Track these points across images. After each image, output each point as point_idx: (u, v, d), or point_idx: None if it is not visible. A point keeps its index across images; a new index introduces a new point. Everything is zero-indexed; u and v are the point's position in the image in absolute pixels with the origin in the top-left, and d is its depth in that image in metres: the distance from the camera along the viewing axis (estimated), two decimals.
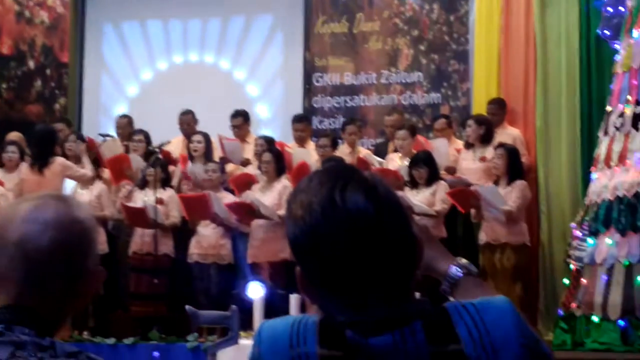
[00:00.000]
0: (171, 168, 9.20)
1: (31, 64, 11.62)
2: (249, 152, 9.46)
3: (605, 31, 7.90)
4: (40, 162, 8.70)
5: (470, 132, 8.62)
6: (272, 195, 8.36)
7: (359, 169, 1.53)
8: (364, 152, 9.44)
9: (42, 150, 8.77)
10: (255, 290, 5.65)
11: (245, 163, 9.38)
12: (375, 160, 9.07)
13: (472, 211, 8.13)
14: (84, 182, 8.84)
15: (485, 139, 8.57)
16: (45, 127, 9.43)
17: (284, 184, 8.35)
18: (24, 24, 11.65)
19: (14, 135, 9.95)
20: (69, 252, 1.69)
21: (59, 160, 8.78)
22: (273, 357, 1.47)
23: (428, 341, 1.42)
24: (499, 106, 9.09)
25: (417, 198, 8.04)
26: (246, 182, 8.78)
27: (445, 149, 8.71)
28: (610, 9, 8.03)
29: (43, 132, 9.04)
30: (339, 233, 1.43)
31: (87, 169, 8.88)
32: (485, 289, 1.69)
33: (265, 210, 8.17)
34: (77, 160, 9.00)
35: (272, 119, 11.24)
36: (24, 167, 8.85)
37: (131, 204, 8.57)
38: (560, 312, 7.31)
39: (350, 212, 1.43)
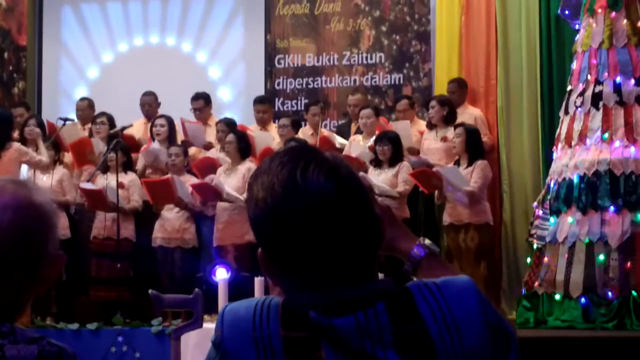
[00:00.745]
0: (134, 155, 9.12)
1: None
2: (211, 135, 9.42)
3: (565, 11, 7.94)
4: None
5: (433, 112, 8.65)
6: (236, 178, 8.33)
7: (320, 150, 1.52)
8: (326, 132, 9.44)
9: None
10: (220, 274, 5.64)
11: (208, 147, 9.34)
12: (337, 140, 9.08)
13: (436, 193, 8.16)
14: (41, 168, 8.73)
15: (448, 119, 8.61)
16: (1, 112, 9.26)
17: (248, 166, 8.33)
18: None
19: None
20: (28, 236, 1.67)
21: (15, 145, 8.62)
22: (236, 339, 1.46)
23: (391, 321, 1.42)
24: (458, 85, 9.13)
25: (379, 179, 8.07)
26: (209, 166, 8.74)
27: (407, 131, 8.73)
28: None
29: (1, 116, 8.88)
30: (300, 214, 1.43)
31: (43, 155, 8.76)
32: (447, 268, 1.69)
33: (229, 195, 8.15)
34: (37, 145, 8.89)
35: (234, 101, 11.19)
36: None
37: (88, 186, 8.48)
38: (523, 290, 7.37)
39: (311, 193, 1.43)
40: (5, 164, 8.41)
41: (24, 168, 8.68)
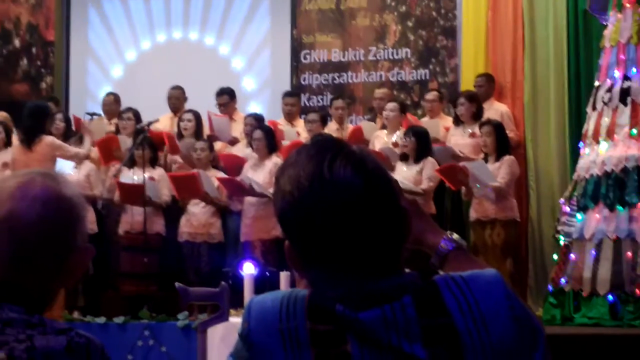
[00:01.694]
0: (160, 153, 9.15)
1: (17, 42, 11.56)
2: (236, 129, 9.45)
3: (593, 5, 7.88)
4: (29, 139, 8.48)
5: (463, 110, 8.62)
6: (263, 173, 8.34)
7: (347, 143, 1.52)
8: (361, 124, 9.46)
9: (30, 127, 8.53)
10: (247, 269, 5.65)
11: (234, 142, 9.36)
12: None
13: (463, 189, 8.13)
14: (79, 160, 8.73)
15: (476, 115, 8.59)
16: (36, 103, 9.21)
17: (275, 161, 8.33)
18: (8, 2, 11.58)
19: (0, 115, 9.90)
20: (56, 229, 1.68)
21: (48, 139, 8.57)
22: (262, 332, 1.46)
23: (418, 315, 1.42)
24: (486, 79, 9.11)
25: (404, 175, 8.03)
26: (236, 165, 8.75)
27: (437, 128, 8.70)
28: None
29: (33, 108, 8.78)
30: (327, 207, 1.43)
31: (85, 148, 8.76)
32: (475, 262, 1.69)
33: (258, 188, 8.16)
34: (63, 139, 8.92)
35: (259, 96, 11.22)
36: (16, 145, 8.72)
37: (127, 181, 8.51)
38: (550, 287, 7.34)
39: (338, 186, 1.43)
40: (38, 158, 8.36)
41: (60, 162, 8.63)
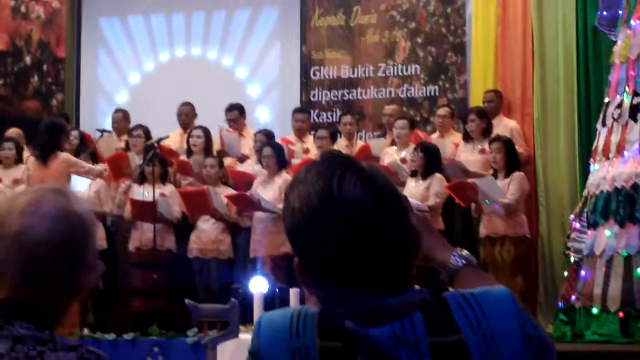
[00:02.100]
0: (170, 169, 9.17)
1: (28, 59, 11.62)
2: (245, 146, 9.47)
3: (602, 22, 7.88)
4: (44, 154, 8.45)
5: (473, 126, 8.62)
6: (272, 190, 8.35)
7: (356, 160, 1.52)
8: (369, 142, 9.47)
9: (46, 143, 8.51)
10: (258, 285, 5.64)
11: (243, 159, 9.38)
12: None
13: (473, 206, 8.12)
14: (93, 177, 8.73)
15: (486, 131, 8.60)
16: (52, 119, 9.19)
17: (285, 178, 8.34)
18: (20, 19, 11.65)
19: (12, 132, 9.94)
20: (67, 245, 1.69)
21: (63, 156, 8.53)
22: (272, 349, 1.46)
23: (428, 331, 1.41)
24: (495, 94, 9.11)
25: (412, 191, 8.02)
26: (245, 182, 8.76)
27: (444, 148, 8.70)
28: (604, 13, 8.02)
29: (49, 124, 8.76)
30: (336, 223, 1.43)
31: (100, 165, 8.77)
32: (485, 279, 1.68)
33: (266, 204, 8.17)
34: (75, 155, 8.94)
35: (269, 112, 11.24)
36: (31, 161, 8.72)
37: (138, 198, 8.52)
38: (560, 304, 7.31)
39: (348, 203, 1.43)
40: (53, 174, 8.33)
41: (75, 179, 8.61)
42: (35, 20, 11.64)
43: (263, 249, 8.30)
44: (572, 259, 7.35)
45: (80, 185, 8.56)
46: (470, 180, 8.06)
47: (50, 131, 8.52)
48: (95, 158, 9.10)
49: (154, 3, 11.54)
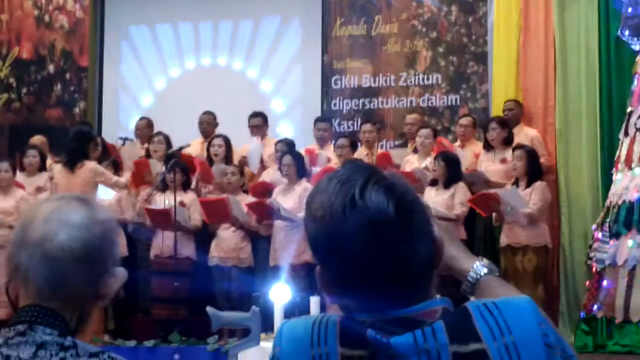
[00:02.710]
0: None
1: (51, 68, 11.71)
2: (265, 154, 9.50)
3: (625, 31, 7.85)
4: (71, 162, 8.44)
5: (494, 135, 8.60)
6: (292, 198, 8.36)
7: (378, 168, 1.52)
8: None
9: (73, 151, 8.51)
10: (280, 293, 5.64)
11: (263, 168, 9.40)
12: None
13: (494, 215, 8.09)
14: (119, 189, 8.75)
15: (507, 140, 8.57)
16: (80, 128, 9.19)
17: (305, 186, 8.35)
18: (43, 28, 11.74)
19: (36, 139, 10.00)
20: (89, 252, 1.70)
21: (90, 165, 8.52)
22: (294, 356, 1.46)
23: (450, 340, 1.41)
24: (515, 103, 9.10)
25: (435, 200, 8.01)
26: (264, 191, 8.78)
27: (463, 159, 8.69)
28: (629, 9, 7.99)
29: (77, 132, 8.76)
30: (359, 232, 1.43)
31: (125, 177, 8.78)
32: (507, 288, 1.68)
33: (285, 213, 8.18)
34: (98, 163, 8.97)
35: (290, 121, 11.26)
36: (58, 168, 8.74)
37: (153, 207, 8.57)
38: (582, 314, 7.27)
39: (369, 211, 1.43)
40: (80, 182, 8.32)
41: (101, 188, 8.63)
42: (58, 30, 11.73)
43: (283, 257, 8.30)
44: (594, 269, 7.31)
45: (106, 194, 8.59)
46: (492, 190, 8.03)
47: (79, 139, 8.54)
48: (117, 166, 9.13)
49: (180, 11, 11.58)
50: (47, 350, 1.65)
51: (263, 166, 9.47)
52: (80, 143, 8.48)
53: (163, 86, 11.72)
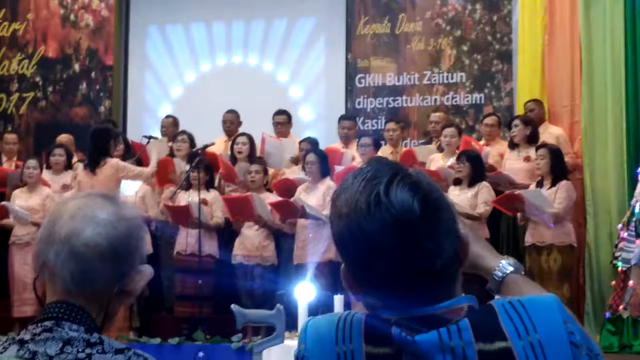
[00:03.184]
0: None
1: (76, 67, 11.77)
2: (288, 153, 9.51)
3: None
4: (93, 162, 8.46)
5: (516, 132, 8.56)
6: (316, 196, 8.36)
7: (403, 166, 1.52)
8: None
9: (94, 151, 8.55)
10: (306, 292, 5.64)
11: (295, 161, 9.40)
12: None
13: (519, 214, 8.05)
14: (143, 179, 8.77)
15: (531, 139, 8.52)
16: (98, 127, 9.21)
17: (328, 184, 8.35)
18: (69, 27, 11.81)
19: (63, 138, 10.06)
20: (116, 249, 1.71)
21: (112, 162, 8.53)
22: (319, 353, 1.47)
23: (475, 338, 1.41)
24: (535, 103, 9.05)
25: (459, 199, 7.99)
26: (287, 188, 8.78)
27: (490, 157, 8.65)
28: None
29: (96, 131, 8.78)
30: (384, 230, 1.42)
31: (150, 167, 8.79)
32: (532, 286, 1.67)
33: (310, 210, 8.18)
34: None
35: (314, 120, 11.27)
36: (80, 168, 8.78)
37: (174, 204, 8.59)
38: (607, 314, 7.22)
39: (394, 209, 1.42)
40: (103, 180, 8.35)
41: (124, 183, 8.63)
42: (84, 29, 11.80)
43: (307, 256, 8.31)
44: (619, 268, 7.26)
45: (128, 191, 8.62)
46: (517, 192, 7.99)
47: (97, 139, 8.55)
48: (141, 164, 9.16)
49: (204, 10, 11.63)
50: (74, 346, 1.66)
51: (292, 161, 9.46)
52: (99, 142, 8.51)
53: (187, 84, 11.76)
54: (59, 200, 1.87)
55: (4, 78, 11.89)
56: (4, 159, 10.35)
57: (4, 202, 8.93)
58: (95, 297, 1.72)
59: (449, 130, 8.84)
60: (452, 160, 8.61)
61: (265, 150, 9.34)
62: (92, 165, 8.43)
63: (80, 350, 1.65)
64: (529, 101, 9.12)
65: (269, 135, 9.55)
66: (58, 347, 1.65)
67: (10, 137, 10.51)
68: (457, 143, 8.77)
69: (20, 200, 8.84)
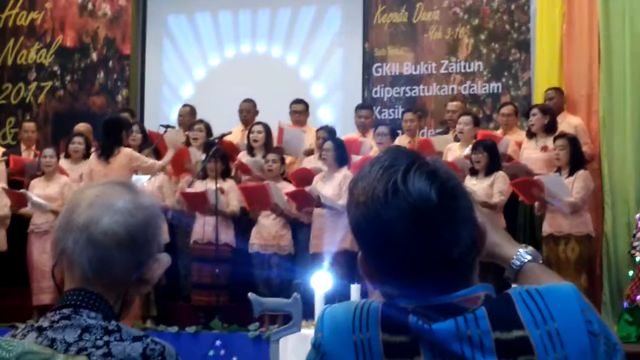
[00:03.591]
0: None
1: (94, 56, 11.81)
2: (306, 141, 9.51)
3: None
4: (106, 152, 8.52)
5: (534, 120, 8.53)
6: (332, 186, 8.36)
7: (420, 154, 1.51)
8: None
9: (107, 140, 8.59)
10: (322, 281, 5.65)
11: (309, 153, 9.40)
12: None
13: (536, 204, 8.02)
14: (153, 172, 8.81)
15: (549, 128, 8.48)
16: (111, 116, 9.25)
17: (345, 173, 8.34)
18: (87, 16, 11.84)
19: (81, 127, 10.10)
20: (134, 237, 1.72)
21: (126, 151, 8.56)
22: (336, 341, 1.47)
23: (492, 327, 1.40)
24: (556, 91, 9.00)
25: (475, 188, 7.96)
26: (305, 178, 8.79)
27: (508, 147, 8.62)
28: None
29: (109, 121, 8.82)
30: (401, 218, 1.42)
31: (164, 160, 8.82)
32: (550, 275, 1.66)
33: (326, 200, 8.18)
34: (139, 151, 9.03)
35: (331, 109, 11.26)
36: (93, 157, 8.82)
37: (191, 190, 8.59)
38: (625, 304, 7.20)
39: (412, 197, 1.42)
40: (116, 169, 8.37)
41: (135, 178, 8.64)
42: (101, 18, 11.83)
43: (322, 245, 8.31)
44: (637, 259, 7.23)
45: (141, 180, 8.63)
46: (535, 177, 7.96)
47: (110, 128, 8.60)
48: (158, 154, 9.19)
49: (219, 0, 11.64)
50: (92, 333, 1.66)
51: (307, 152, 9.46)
52: (111, 132, 8.54)
53: (204, 74, 11.77)
54: (77, 188, 1.87)
55: (22, 67, 11.94)
56: (23, 147, 10.41)
57: (22, 190, 8.99)
58: (113, 285, 1.73)
59: (464, 119, 8.81)
60: (468, 149, 8.59)
61: (284, 139, 9.33)
62: (106, 154, 8.46)
63: (98, 337, 1.66)
64: (549, 89, 9.07)
65: (287, 123, 9.55)
66: (76, 335, 1.66)
67: (29, 125, 10.58)
68: (471, 132, 8.73)
69: (38, 189, 8.89)
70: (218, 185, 8.48)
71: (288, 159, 9.30)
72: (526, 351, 1.40)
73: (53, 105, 11.82)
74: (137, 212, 1.73)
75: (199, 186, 8.70)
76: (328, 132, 9.13)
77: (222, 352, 7.56)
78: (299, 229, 8.71)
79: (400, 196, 1.43)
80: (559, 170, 8.07)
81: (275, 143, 9.30)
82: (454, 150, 8.80)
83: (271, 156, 8.77)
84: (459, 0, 10.68)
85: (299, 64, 11.45)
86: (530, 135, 8.65)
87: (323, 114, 11.10)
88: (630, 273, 7.39)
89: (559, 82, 9.23)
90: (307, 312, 5.77)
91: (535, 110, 8.60)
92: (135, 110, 11.29)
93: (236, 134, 9.80)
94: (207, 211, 8.47)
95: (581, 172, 7.95)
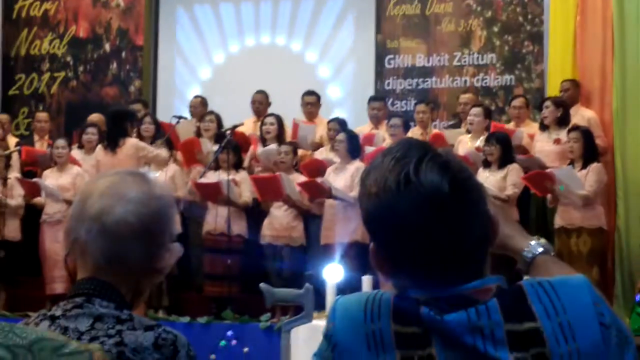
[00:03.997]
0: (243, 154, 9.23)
1: (107, 46, 11.83)
2: (317, 134, 9.51)
3: None
4: (111, 143, 8.63)
5: (547, 113, 8.50)
6: (344, 177, 8.36)
7: (432, 145, 1.51)
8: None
9: (113, 131, 8.71)
10: (334, 273, 5.65)
11: (317, 146, 9.41)
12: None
13: (549, 196, 8.01)
14: (158, 163, 8.85)
15: (562, 121, 8.45)
16: (116, 108, 9.39)
17: (357, 165, 8.33)
18: (100, 7, 11.86)
19: (94, 117, 10.13)
20: (146, 227, 1.72)
21: (132, 141, 8.68)
22: (347, 332, 1.47)
23: (504, 319, 1.40)
24: (572, 83, 8.96)
25: (487, 181, 7.95)
26: (317, 169, 8.79)
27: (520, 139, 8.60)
28: None
29: (112, 113, 8.97)
30: (413, 209, 1.42)
31: (164, 150, 8.89)
32: (562, 267, 1.66)
33: (337, 192, 8.18)
34: (152, 141, 9.05)
35: (343, 101, 11.24)
36: (99, 149, 8.90)
37: (203, 181, 8.61)
38: (637, 297, 7.18)
39: (424, 188, 1.42)
40: (123, 160, 8.48)
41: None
42: (114, 9, 11.84)
43: (334, 236, 8.31)
44: None
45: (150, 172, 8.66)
46: (548, 170, 7.94)
47: (114, 120, 8.70)
48: (171, 145, 9.21)
49: None
50: (104, 322, 1.67)
51: (316, 146, 9.47)
52: (116, 123, 8.63)
53: (217, 65, 11.77)
54: (90, 178, 1.88)
55: (36, 58, 11.97)
56: (36, 137, 10.45)
57: (36, 179, 9.03)
58: (125, 275, 1.74)
59: (475, 110, 8.80)
60: (479, 141, 8.57)
61: (299, 135, 9.34)
62: (112, 145, 8.53)
63: (110, 326, 1.67)
64: (565, 80, 9.03)
65: (301, 120, 9.55)
66: (89, 323, 1.67)
67: (42, 115, 10.63)
68: (482, 123, 8.71)
69: (50, 179, 8.93)
70: (230, 177, 8.49)
71: (300, 152, 9.31)
72: (538, 343, 1.39)
73: (66, 96, 11.84)
74: (150, 202, 1.74)
75: (211, 177, 8.71)
76: (339, 124, 9.13)
77: (234, 342, 7.58)
78: (311, 220, 8.71)
79: (412, 187, 1.43)
80: (572, 162, 8.05)
81: (289, 139, 9.30)
82: (465, 142, 8.78)
83: (284, 148, 8.77)
84: None
85: (311, 54, 11.42)
86: (543, 127, 8.62)
87: (335, 106, 11.08)
88: None
89: (573, 74, 9.19)
90: (319, 303, 5.78)
91: (548, 103, 8.58)
92: (149, 101, 11.31)
93: (248, 125, 9.80)
94: (219, 202, 8.48)
95: (594, 165, 7.92)
